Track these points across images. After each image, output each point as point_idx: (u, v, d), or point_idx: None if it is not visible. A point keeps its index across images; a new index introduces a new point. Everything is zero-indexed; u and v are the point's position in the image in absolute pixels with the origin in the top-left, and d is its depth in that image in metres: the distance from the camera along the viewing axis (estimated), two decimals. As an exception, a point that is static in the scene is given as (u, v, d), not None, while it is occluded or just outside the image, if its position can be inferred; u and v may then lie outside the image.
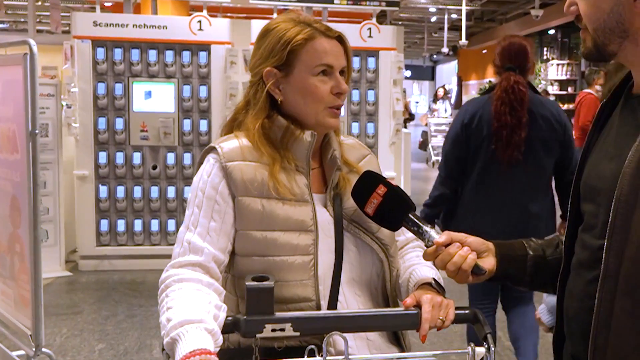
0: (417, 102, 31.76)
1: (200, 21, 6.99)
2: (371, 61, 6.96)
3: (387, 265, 1.89)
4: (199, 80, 7.09)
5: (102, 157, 7.08)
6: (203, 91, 7.09)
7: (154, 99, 7.08)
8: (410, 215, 1.75)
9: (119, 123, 7.05)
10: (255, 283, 1.65)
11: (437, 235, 1.72)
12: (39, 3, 15.78)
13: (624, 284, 1.41)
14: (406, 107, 18.50)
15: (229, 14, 10.38)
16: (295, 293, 1.77)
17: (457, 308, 1.75)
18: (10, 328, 4.04)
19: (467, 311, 1.76)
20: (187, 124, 7.11)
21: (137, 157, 7.10)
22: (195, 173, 1.88)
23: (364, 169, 1.90)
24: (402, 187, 8.67)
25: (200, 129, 7.11)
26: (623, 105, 1.56)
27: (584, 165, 1.62)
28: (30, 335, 3.76)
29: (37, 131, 3.68)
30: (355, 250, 1.87)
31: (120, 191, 7.13)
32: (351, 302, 1.84)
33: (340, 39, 1.87)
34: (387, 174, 6.72)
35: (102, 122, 7.03)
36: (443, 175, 3.93)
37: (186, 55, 7.05)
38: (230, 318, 1.68)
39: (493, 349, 1.64)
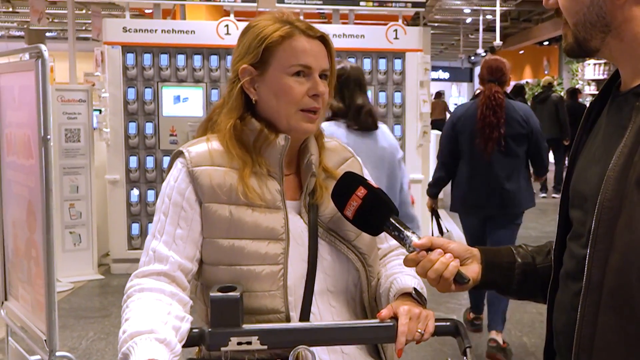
0: (456, 104, 31.40)
1: (227, 25, 6.92)
2: (397, 63, 6.82)
3: (364, 275, 1.76)
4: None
5: (133, 161, 7.05)
6: (218, 95, 7.01)
7: (183, 103, 7.03)
8: (391, 219, 1.63)
9: (149, 127, 7.02)
10: (220, 294, 1.55)
11: (418, 240, 1.59)
12: (83, 11, 15.99)
13: (608, 297, 1.27)
14: (446, 109, 18.28)
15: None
16: (263, 304, 1.66)
17: (437, 320, 1.62)
18: (28, 332, 4.01)
19: (448, 323, 1.64)
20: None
21: (167, 161, 7.03)
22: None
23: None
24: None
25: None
26: (610, 104, 1.42)
27: (573, 169, 1.48)
28: (45, 340, 3.72)
29: (49, 136, 3.64)
30: (330, 259, 1.75)
31: (151, 195, 7.09)
32: (325, 313, 1.72)
33: (323, 39, 1.75)
34: (414, 176, 6.61)
35: (132, 127, 7.01)
36: (439, 162, 5.14)
37: (214, 59, 6.99)
38: (196, 330, 1.58)
39: (471, 364, 1.50)
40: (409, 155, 6.81)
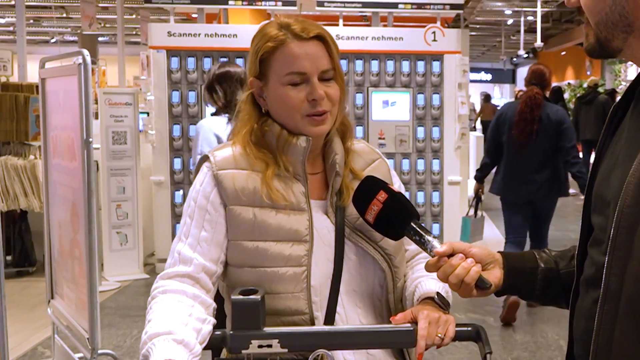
0: (498, 106, 31.03)
1: (268, 29, 6.92)
2: (436, 65, 6.75)
3: (390, 276, 1.74)
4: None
5: (177, 163, 7.10)
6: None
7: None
8: (412, 223, 1.60)
9: (193, 130, 7.05)
10: (241, 297, 1.54)
11: (439, 245, 1.56)
12: (133, 16, 16.19)
13: (626, 305, 1.23)
14: (495, 111, 18.13)
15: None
16: (287, 305, 1.65)
17: (458, 325, 1.59)
18: (72, 330, 4.06)
19: (469, 328, 1.60)
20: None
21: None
22: None
23: (373, 174, 1.75)
24: (470, 190, 8.48)
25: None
26: (634, 106, 1.37)
27: (596, 173, 1.43)
28: (88, 338, 3.76)
29: (91, 139, 3.68)
30: (356, 260, 1.72)
31: (195, 196, 7.12)
32: (351, 314, 1.70)
33: (320, 38, 1.70)
34: (451, 178, 6.57)
35: (176, 129, 7.06)
36: (485, 150, 6.14)
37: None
38: (218, 332, 1.57)
39: (491, 369, 1.47)
40: (446, 157, 6.76)
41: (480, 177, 5.96)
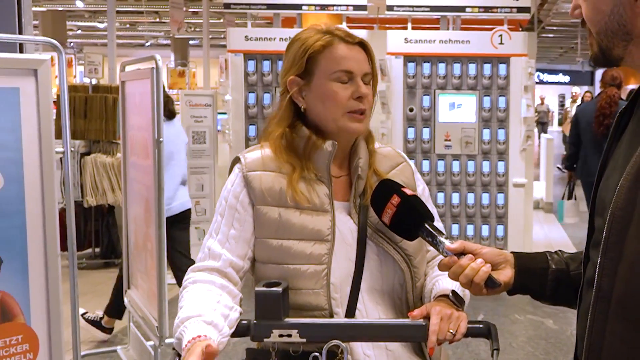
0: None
1: (339, 34, 6.98)
2: (502, 68, 6.68)
3: (409, 275, 1.78)
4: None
5: (253, 161, 7.22)
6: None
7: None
8: (426, 225, 1.64)
9: (267, 131, 7.18)
10: (263, 289, 1.61)
11: (451, 245, 1.59)
12: (221, 20, 16.52)
13: (616, 306, 1.24)
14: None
15: (367, 24, 10.33)
16: (307, 301, 1.71)
17: (470, 322, 1.62)
18: (145, 319, 4.22)
19: (480, 325, 1.62)
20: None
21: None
22: None
23: (395, 178, 1.80)
24: (543, 191, 8.54)
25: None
26: (636, 112, 1.37)
27: (601, 177, 1.44)
28: (157, 326, 3.90)
29: (161, 139, 3.83)
30: (377, 259, 1.78)
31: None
32: (371, 310, 1.75)
33: (362, 45, 1.79)
34: (517, 180, 6.51)
35: (252, 130, 7.20)
36: (569, 142, 7.16)
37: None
38: (244, 322, 1.65)
39: (497, 365, 1.50)
40: (512, 159, 6.68)
41: (569, 165, 6.94)
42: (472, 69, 6.70)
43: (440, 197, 6.92)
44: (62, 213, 7.89)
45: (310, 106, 1.80)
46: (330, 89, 1.75)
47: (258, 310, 1.61)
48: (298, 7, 7.21)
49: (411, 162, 1.96)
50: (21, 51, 3.54)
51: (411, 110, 6.86)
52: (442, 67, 6.76)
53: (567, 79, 30.71)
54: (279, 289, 1.60)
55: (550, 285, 1.60)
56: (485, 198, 6.79)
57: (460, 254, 1.58)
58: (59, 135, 7.97)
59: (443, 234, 1.64)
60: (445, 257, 1.60)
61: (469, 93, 6.78)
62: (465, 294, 1.72)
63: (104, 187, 7.43)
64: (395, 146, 2.00)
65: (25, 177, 2.81)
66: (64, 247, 8.37)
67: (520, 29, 7.45)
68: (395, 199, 1.67)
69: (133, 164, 4.49)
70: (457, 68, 6.75)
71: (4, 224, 2.74)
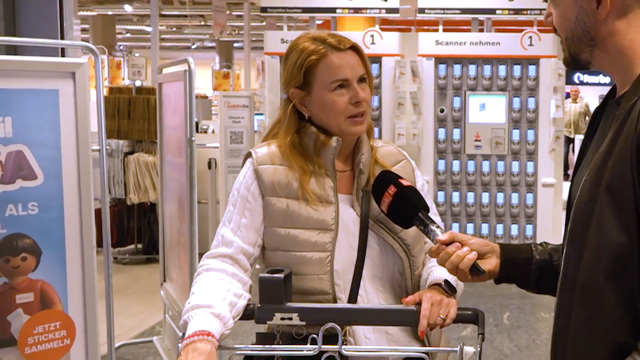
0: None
1: (372, 35, 7.09)
2: (532, 69, 6.71)
3: (407, 264, 1.88)
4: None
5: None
6: (375, 101, 7.16)
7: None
8: (419, 214, 1.74)
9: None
10: (267, 275, 1.72)
11: (441, 234, 1.69)
12: (264, 23, 16.71)
13: (580, 292, 1.32)
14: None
15: (399, 26, 10.38)
16: (312, 286, 1.82)
17: (460, 308, 1.71)
18: (179, 311, 4.36)
19: (469, 312, 1.71)
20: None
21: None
22: None
23: (397, 173, 1.89)
24: (565, 192, 8.48)
25: (375, 136, 7.17)
26: (606, 110, 1.46)
27: (576, 172, 1.52)
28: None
29: (193, 138, 3.97)
30: (378, 248, 1.88)
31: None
32: (372, 296, 1.85)
33: (354, 49, 1.88)
34: (546, 180, 6.54)
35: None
36: None
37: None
38: (250, 305, 1.76)
39: (479, 349, 1.59)
40: (541, 159, 6.70)
41: None
42: (502, 70, 6.74)
43: (471, 196, 6.97)
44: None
45: (313, 114, 1.91)
46: (329, 99, 1.85)
47: (262, 295, 1.72)
48: (332, 10, 7.33)
49: (411, 160, 2.05)
50: (63, 55, 3.72)
51: (442, 111, 6.91)
52: (472, 69, 6.82)
53: (607, 79, 30.23)
54: (281, 275, 1.71)
55: (534, 274, 1.68)
56: (515, 198, 6.82)
57: (450, 243, 1.67)
58: (108, 134, 8.12)
59: (435, 223, 1.73)
60: (435, 244, 1.69)
61: (499, 94, 6.82)
62: (458, 283, 1.81)
63: (146, 185, 7.62)
64: (396, 144, 2.10)
65: (63, 174, 2.96)
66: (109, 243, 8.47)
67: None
68: (392, 189, 1.77)
69: (169, 162, 4.65)
70: (487, 69, 6.80)
71: (43, 217, 2.90)
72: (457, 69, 6.85)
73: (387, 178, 1.81)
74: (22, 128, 2.83)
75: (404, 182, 1.80)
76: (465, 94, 6.89)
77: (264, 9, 7.57)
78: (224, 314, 1.69)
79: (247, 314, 1.75)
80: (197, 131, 9.66)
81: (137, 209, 8.00)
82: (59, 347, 2.99)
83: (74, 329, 3.01)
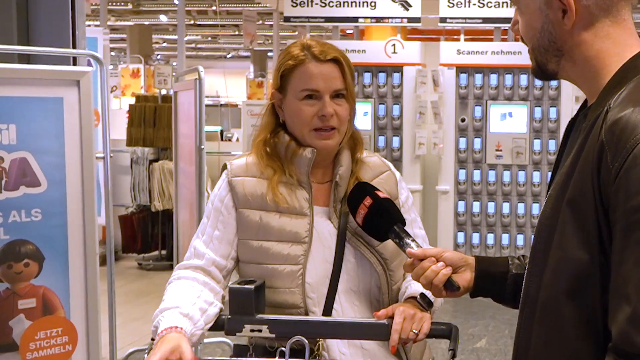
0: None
1: (394, 45, 7.03)
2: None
3: (384, 278, 1.83)
4: (393, 99, 7.12)
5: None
6: (396, 110, 7.11)
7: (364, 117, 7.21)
8: (395, 227, 1.68)
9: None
10: (237, 286, 1.69)
11: (416, 248, 1.63)
12: (296, 33, 16.75)
13: (541, 310, 1.26)
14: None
15: (426, 35, 10.31)
16: (284, 299, 1.78)
17: (434, 322, 1.65)
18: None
19: (443, 326, 1.66)
20: (381, 141, 7.16)
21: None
22: None
23: (377, 186, 1.84)
24: None
25: (393, 145, 7.13)
26: (577, 122, 1.39)
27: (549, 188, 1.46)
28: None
29: (203, 147, 3.97)
30: (354, 262, 1.83)
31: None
32: (347, 311, 1.81)
33: (336, 61, 1.82)
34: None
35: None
36: None
37: (382, 76, 7.11)
38: (222, 316, 1.73)
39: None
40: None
41: None
42: (523, 79, 6.64)
43: (491, 206, 6.86)
44: (131, 217, 8.16)
45: (286, 120, 1.87)
46: (297, 107, 1.81)
47: (232, 306, 1.69)
48: (354, 19, 7.31)
49: (396, 171, 1.99)
50: (75, 64, 3.74)
51: (463, 120, 6.83)
52: (493, 78, 6.73)
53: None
54: (251, 286, 1.68)
55: (509, 289, 1.61)
56: (536, 208, 6.70)
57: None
58: (130, 142, 8.21)
59: (410, 237, 1.68)
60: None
61: (521, 104, 6.72)
62: (436, 298, 1.75)
63: (170, 192, 7.66)
64: (380, 155, 2.04)
65: (67, 181, 2.96)
66: (133, 248, 8.60)
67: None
68: (368, 200, 1.72)
69: (181, 170, 4.66)
70: (508, 79, 6.70)
71: (46, 223, 2.91)
72: (478, 78, 6.77)
73: (363, 189, 1.76)
74: (27, 135, 2.84)
75: (381, 194, 1.75)
76: (486, 104, 6.80)
77: (287, 19, 7.56)
78: (193, 314, 1.66)
79: (218, 324, 1.72)
80: (222, 139, 9.69)
81: (162, 215, 8.04)
82: (61, 352, 2.98)
83: (76, 335, 3.01)
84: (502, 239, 6.91)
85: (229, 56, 26.32)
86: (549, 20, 1.30)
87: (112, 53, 22.71)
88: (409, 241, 1.65)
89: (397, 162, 7.08)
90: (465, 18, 6.93)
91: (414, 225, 1.93)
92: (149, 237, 8.08)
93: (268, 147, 1.87)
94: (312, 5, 7.35)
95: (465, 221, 7.00)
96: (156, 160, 7.86)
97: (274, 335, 1.66)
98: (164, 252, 8.16)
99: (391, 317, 1.65)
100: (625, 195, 1.13)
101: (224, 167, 1.92)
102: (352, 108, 1.85)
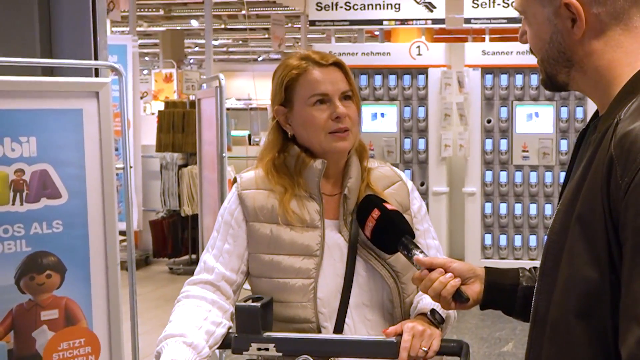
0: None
1: (419, 47, 6.96)
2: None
3: (396, 291, 1.78)
4: (418, 101, 7.05)
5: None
6: (421, 112, 7.03)
7: (380, 119, 7.16)
8: (403, 239, 1.63)
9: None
10: (243, 304, 1.65)
11: (421, 258, 1.58)
12: (324, 35, 16.73)
13: (551, 329, 1.20)
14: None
15: (452, 35, 10.20)
16: (296, 314, 1.74)
17: (444, 340, 1.59)
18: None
19: (453, 343, 1.60)
20: (407, 143, 7.11)
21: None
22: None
23: (389, 197, 1.80)
24: None
25: (419, 147, 7.06)
26: (588, 134, 1.33)
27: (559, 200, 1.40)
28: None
29: (224, 154, 3.95)
30: (365, 275, 1.78)
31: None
32: (359, 326, 1.76)
33: (337, 64, 1.80)
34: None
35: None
36: None
37: (407, 78, 7.05)
38: (230, 334, 1.69)
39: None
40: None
41: None
42: (545, 79, 6.53)
43: (518, 208, 6.76)
44: (162, 222, 8.18)
45: (296, 132, 1.83)
46: (309, 113, 1.77)
47: (238, 324, 1.65)
48: (379, 22, 7.26)
49: (408, 181, 1.94)
50: (97, 75, 3.73)
51: (489, 121, 6.74)
52: (519, 79, 6.63)
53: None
54: (257, 304, 1.63)
55: (519, 301, 1.56)
56: (564, 209, 6.58)
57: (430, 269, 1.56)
58: (159, 148, 8.21)
59: (419, 248, 1.63)
60: (418, 270, 1.59)
61: (547, 104, 6.61)
62: (448, 313, 1.70)
63: (198, 197, 7.68)
64: (391, 165, 1.99)
65: (87, 192, 2.96)
66: (164, 253, 8.62)
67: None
68: (376, 213, 1.68)
69: (205, 176, 4.65)
70: (534, 79, 6.60)
71: (68, 234, 2.90)
72: (503, 79, 6.67)
73: (372, 202, 1.71)
74: (47, 147, 2.83)
75: (389, 206, 1.70)
76: (512, 104, 6.70)
77: (312, 22, 7.53)
78: (197, 342, 1.62)
79: (226, 343, 1.68)
80: (250, 143, 9.67)
81: (191, 220, 8.06)
82: (84, 363, 2.98)
83: (98, 345, 3.00)
84: (530, 241, 6.80)
85: (260, 59, 26.39)
86: (558, 30, 1.24)
87: (146, 58, 22.94)
88: (417, 252, 1.60)
89: (423, 164, 7.01)
90: (489, 18, 6.84)
91: (427, 236, 1.88)
92: (179, 241, 8.11)
93: (277, 164, 1.83)
94: (336, 9, 7.31)
95: (492, 223, 6.89)
96: (185, 165, 7.88)
97: (280, 354, 1.62)
98: (194, 256, 8.18)
99: (400, 335, 1.60)
100: (635, 212, 1.08)
101: (234, 180, 1.88)
102: (358, 110, 1.82)
